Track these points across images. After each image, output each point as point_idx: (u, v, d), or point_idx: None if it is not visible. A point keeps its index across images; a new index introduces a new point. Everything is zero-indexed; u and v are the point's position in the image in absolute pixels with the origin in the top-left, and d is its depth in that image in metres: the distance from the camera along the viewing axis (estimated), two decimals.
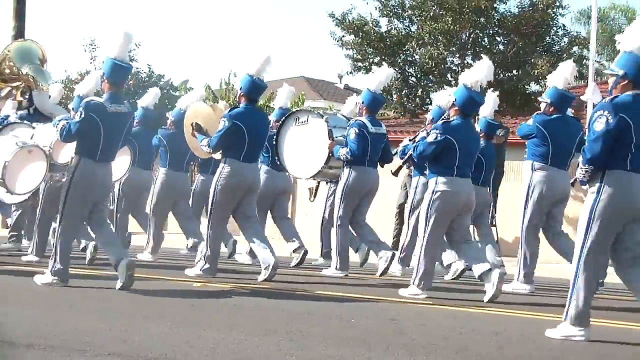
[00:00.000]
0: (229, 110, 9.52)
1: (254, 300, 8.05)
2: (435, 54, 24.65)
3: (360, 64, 26.50)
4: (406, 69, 26.88)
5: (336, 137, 9.94)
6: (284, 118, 10.40)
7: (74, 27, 60.24)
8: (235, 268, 10.71)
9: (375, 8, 26.51)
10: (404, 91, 25.43)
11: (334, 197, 10.35)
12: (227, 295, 8.34)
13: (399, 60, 26.77)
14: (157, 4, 73.28)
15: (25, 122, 9.94)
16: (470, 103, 8.51)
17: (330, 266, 10.25)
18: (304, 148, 10.15)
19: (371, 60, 26.65)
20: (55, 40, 62.78)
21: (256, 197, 9.69)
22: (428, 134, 8.62)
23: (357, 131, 9.70)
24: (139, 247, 12.11)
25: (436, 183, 8.41)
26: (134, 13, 71.53)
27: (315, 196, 11.66)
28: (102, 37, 46.32)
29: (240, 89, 9.44)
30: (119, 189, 11.69)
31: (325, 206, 11.24)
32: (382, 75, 10.07)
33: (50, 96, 10.50)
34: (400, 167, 9.94)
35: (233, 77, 25.61)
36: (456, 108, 8.52)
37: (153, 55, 75.23)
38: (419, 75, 26.24)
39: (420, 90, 25.74)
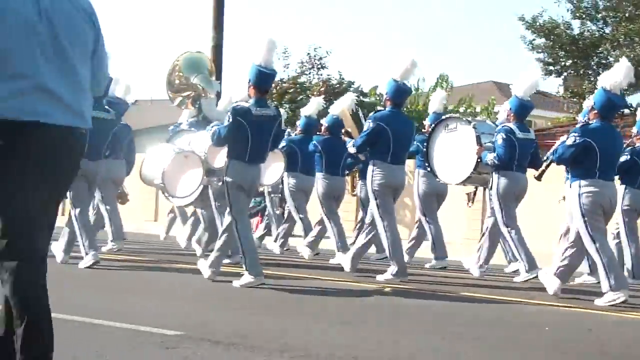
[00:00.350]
0: (374, 113, 9.84)
1: (413, 302, 8.17)
2: (632, 55, 23.85)
3: (551, 67, 26.08)
4: (600, 71, 26.15)
5: (485, 143, 9.98)
6: (434, 125, 10.56)
7: (268, 36, 62.34)
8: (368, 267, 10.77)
9: (567, 10, 26.02)
10: None
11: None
12: (381, 295, 8.51)
13: (592, 63, 26.15)
14: (349, 12, 74.49)
15: (192, 129, 10.61)
16: (609, 106, 8.36)
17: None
18: (454, 154, 10.18)
19: (563, 63, 26.17)
20: (251, 49, 65.07)
21: (397, 198, 9.91)
22: (567, 137, 8.56)
23: (504, 136, 9.67)
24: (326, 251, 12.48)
25: (580, 187, 8.31)
26: (326, 21, 73.01)
27: (473, 201, 11.67)
28: (295, 45, 47.61)
29: (386, 93, 9.78)
30: (289, 195, 12.23)
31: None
32: (529, 82, 10.01)
33: (217, 104, 11.12)
34: (543, 171, 9.81)
35: (422, 82, 25.76)
36: (595, 111, 8.42)
37: (344, 62, 76.52)
38: None
39: None
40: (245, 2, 62.09)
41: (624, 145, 10.44)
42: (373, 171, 9.53)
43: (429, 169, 10.62)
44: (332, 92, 25.32)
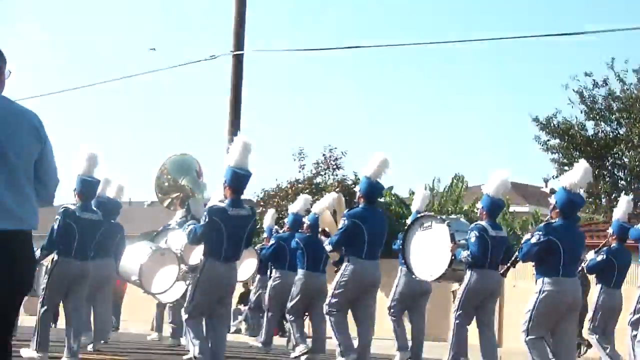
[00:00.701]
0: (348, 210, 10.24)
1: None
2: None
3: (566, 167, 26.25)
4: (615, 172, 26.33)
5: (459, 240, 10.25)
6: (410, 223, 10.87)
7: (283, 137, 63.48)
8: None
9: (581, 111, 26.32)
10: (614, 195, 24.80)
11: None
12: None
13: (607, 164, 26.33)
14: (365, 113, 75.31)
15: (177, 227, 10.98)
16: (569, 205, 8.64)
17: None
18: (429, 251, 10.46)
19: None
20: (266, 149, 65.82)
21: (375, 294, 10.18)
22: (532, 235, 8.81)
23: (477, 234, 9.92)
24: None
25: (543, 283, 8.52)
26: (342, 122, 73.78)
27: None
28: (311, 146, 48.18)
29: (359, 190, 10.18)
30: (270, 291, 12.59)
31: None
32: (499, 180, 10.29)
33: (205, 205, 11.51)
34: (508, 268, 9.97)
35: (437, 182, 26.05)
36: (557, 210, 8.72)
37: (360, 162, 76.86)
38: (628, 179, 25.59)
39: (631, 193, 25.04)
40: (261, 104, 63.41)
41: (600, 245, 10.70)
42: (346, 267, 9.87)
43: (405, 267, 10.89)
44: (348, 192, 25.63)
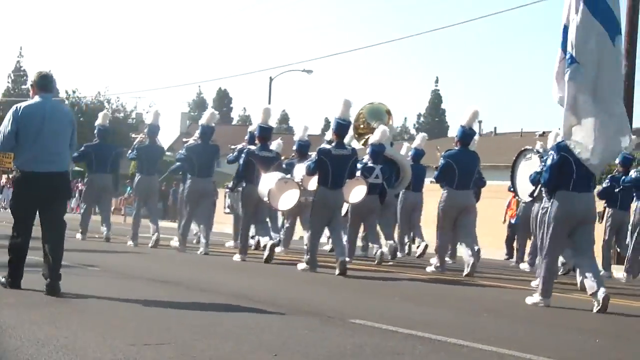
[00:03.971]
0: (445, 152, 12.39)
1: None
2: None
3: None
4: None
5: None
6: (516, 155, 12.46)
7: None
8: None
9: None
10: None
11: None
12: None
13: None
14: None
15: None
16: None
17: None
18: (528, 178, 11.65)
19: None
20: None
21: (473, 216, 12.34)
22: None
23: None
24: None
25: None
26: None
27: (602, 219, 13.51)
28: None
29: (456, 136, 12.34)
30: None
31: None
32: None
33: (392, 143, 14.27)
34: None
35: None
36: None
37: None
38: None
39: None
40: None
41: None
42: (442, 195, 12.33)
43: (512, 190, 12.84)
44: None
